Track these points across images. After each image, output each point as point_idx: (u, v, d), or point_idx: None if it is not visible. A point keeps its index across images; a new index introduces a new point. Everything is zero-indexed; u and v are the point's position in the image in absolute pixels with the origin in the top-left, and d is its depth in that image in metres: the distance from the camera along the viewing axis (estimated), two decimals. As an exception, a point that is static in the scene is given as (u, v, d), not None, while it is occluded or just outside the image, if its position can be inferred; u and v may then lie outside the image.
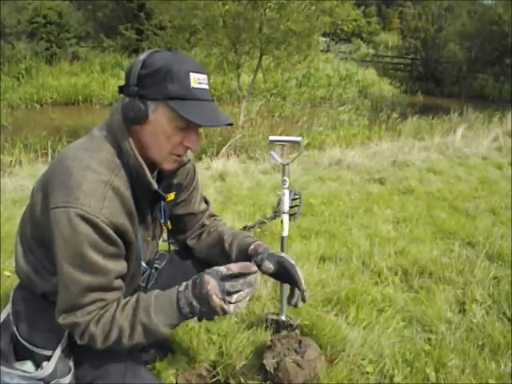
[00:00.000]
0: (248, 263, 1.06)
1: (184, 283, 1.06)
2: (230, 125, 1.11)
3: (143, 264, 1.21)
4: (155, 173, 1.17)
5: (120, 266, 1.07)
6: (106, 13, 15.76)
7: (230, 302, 1.00)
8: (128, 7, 14.17)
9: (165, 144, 1.05)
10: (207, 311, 1.02)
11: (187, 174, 1.32)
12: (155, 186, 1.10)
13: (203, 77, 1.05)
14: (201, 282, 1.02)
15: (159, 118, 1.03)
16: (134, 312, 1.03)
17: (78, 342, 1.05)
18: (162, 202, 1.22)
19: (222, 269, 1.02)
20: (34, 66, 12.88)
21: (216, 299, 0.99)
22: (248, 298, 1.05)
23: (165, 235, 1.33)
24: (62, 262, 1.00)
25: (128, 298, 1.07)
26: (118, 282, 1.07)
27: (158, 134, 1.04)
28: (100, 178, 1.00)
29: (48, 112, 10.84)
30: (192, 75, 1.02)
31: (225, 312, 1.01)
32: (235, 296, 1.01)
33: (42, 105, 11.44)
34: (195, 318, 1.09)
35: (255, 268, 1.06)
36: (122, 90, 1.06)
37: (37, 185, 1.11)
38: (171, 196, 1.27)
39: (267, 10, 6.89)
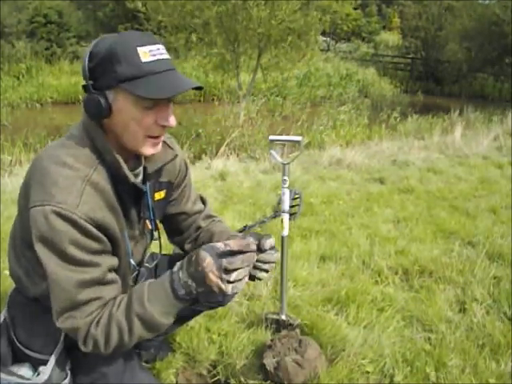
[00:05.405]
0: (247, 240, 0.97)
1: (178, 263, 0.99)
2: (199, 88, 1.01)
3: (132, 262, 1.15)
4: (140, 168, 1.13)
5: (109, 259, 1.03)
6: (106, 12, 15.79)
7: (229, 281, 0.93)
8: (128, 7, 14.19)
9: (138, 129, 1.00)
10: (204, 291, 0.96)
11: (178, 172, 1.27)
12: (132, 178, 1.05)
13: (156, 47, 0.97)
14: (196, 258, 0.94)
15: (122, 104, 0.97)
16: (128, 304, 0.99)
17: (83, 349, 1.00)
18: (150, 201, 1.17)
19: (220, 245, 0.94)
20: (34, 66, 12.89)
21: (212, 277, 0.92)
22: (246, 279, 0.97)
23: (156, 234, 1.28)
24: (47, 261, 0.96)
25: (124, 294, 1.04)
26: (112, 276, 1.03)
27: (128, 121, 0.99)
28: (77, 174, 0.97)
29: (48, 111, 10.82)
30: (141, 49, 0.95)
31: (223, 292, 0.94)
32: (234, 274, 0.93)
33: (42, 104, 11.42)
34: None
35: (254, 246, 0.97)
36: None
37: (21, 187, 1.08)
38: (160, 195, 1.23)
39: (255, 8, 6.85)
